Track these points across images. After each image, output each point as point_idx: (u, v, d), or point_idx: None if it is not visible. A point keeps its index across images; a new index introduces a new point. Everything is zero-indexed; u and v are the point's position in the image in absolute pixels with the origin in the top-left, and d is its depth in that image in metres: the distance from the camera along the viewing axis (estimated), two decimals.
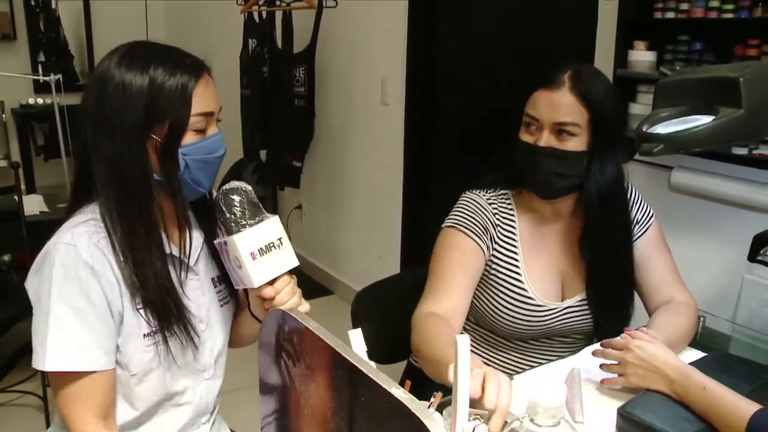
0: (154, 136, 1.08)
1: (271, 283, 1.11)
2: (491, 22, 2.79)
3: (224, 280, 1.26)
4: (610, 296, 1.46)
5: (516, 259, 1.46)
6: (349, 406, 0.78)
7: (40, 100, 4.77)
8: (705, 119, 1.11)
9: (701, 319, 1.54)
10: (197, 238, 1.23)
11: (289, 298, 1.13)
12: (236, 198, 1.10)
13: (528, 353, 1.53)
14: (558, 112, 1.34)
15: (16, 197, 2.47)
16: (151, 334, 1.14)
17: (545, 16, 2.55)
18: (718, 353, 1.41)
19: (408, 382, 0.92)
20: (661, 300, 1.48)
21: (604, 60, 2.11)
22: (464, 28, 2.94)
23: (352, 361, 0.76)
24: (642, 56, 2.01)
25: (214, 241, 1.14)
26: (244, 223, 1.09)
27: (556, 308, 1.46)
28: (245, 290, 1.21)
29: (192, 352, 1.20)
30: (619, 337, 1.28)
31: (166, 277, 1.13)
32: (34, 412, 2.60)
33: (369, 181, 3.50)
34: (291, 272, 1.14)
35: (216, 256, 1.22)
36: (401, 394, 0.69)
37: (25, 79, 4.54)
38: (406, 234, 3.30)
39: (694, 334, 1.46)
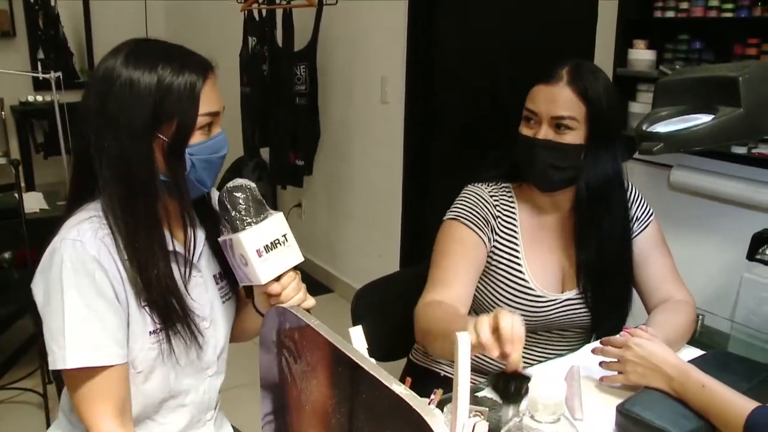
0: (161, 136, 1.07)
1: (277, 279, 1.11)
2: (491, 20, 2.79)
3: (226, 276, 1.26)
4: (607, 292, 1.47)
5: (517, 251, 1.47)
6: (350, 402, 0.78)
7: (39, 98, 4.75)
8: (704, 118, 1.11)
9: (700, 317, 1.55)
10: (199, 235, 1.22)
11: (295, 293, 1.13)
12: (241, 196, 1.09)
13: (528, 348, 1.53)
14: (556, 106, 1.36)
15: (16, 194, 2.46)
16: (156, 331, 1.14)
17: (545, 15, 2.55)
18: (716, 351, 1.42)
19: (408, 379, 0.92)
20: (659, 298, 1.49)
21: (603, 58, 2.11)
22: (464, 26, 2.94)
23: (353, 358, 0.76)
24: (642, 55, 2.01)
25: (219, 239, 1.14)
26: (249, 220, 1.09)
27: (556, 299, 1.47)
28: (246, 287, 1.21)
29: (196, 351, 1.20)
30: (618, 335, 1.29)
31: (169, 276, 1.13)
32: (35, 410, 2.60)
33: (368, 180, 3.50)
34: (294, 269, 1.15)
35: (217, 253, 1.22)
36: (402, 390, 0.69)
37: (24, 76, 4.53)
38: (406, 232, 3.30)
39: (693, 332, 1.47)
